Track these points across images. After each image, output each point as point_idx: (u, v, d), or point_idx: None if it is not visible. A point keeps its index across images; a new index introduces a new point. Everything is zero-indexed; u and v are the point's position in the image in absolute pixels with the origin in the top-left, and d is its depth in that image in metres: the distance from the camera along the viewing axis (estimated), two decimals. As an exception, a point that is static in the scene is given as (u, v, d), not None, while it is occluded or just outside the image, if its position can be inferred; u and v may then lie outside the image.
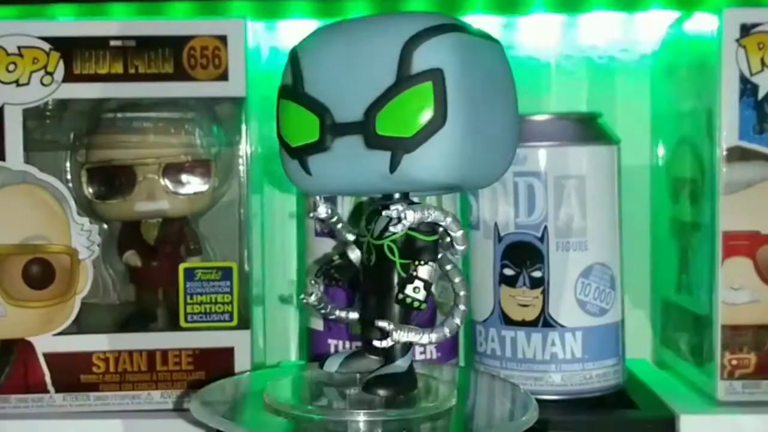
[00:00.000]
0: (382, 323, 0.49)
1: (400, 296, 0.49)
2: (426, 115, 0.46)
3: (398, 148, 0.46)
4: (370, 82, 0.47)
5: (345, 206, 0.64)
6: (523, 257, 0.65)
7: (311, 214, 0.53)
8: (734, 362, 0.65)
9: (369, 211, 0.52)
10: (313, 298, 0.53)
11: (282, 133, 0.50)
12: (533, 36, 0.81)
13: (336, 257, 0.53)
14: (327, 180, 0.49)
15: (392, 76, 0.46)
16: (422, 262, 0.49)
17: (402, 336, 0.49)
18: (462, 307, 0.51)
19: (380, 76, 0.47)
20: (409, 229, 0.49)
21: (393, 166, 0.47)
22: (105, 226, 0.67)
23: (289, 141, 0.50)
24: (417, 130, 0.46)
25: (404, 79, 0.46)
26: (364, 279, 0.52)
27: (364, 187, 0.50)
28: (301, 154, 0.49)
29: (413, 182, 0.48)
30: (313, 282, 0.53)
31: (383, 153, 0.47)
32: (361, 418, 0.48)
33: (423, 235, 0.50)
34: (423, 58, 0.46)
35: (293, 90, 0.50)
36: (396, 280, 0.50)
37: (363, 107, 0.47)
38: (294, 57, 0.50)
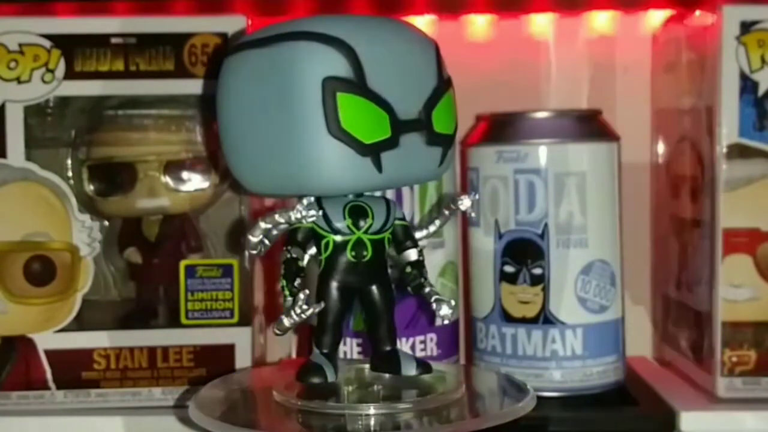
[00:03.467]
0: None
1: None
2: (455, 117, 0.51)
3: (448, 145, 0.50)
4: (418, 81, 0.50)
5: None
6: (523, 254, 0.65)
7: (302, 216, 0.52)
8: (734, 359, 0.65)
9: (349, 207, 0.52)
10: (287, 323, 0.51)
11: (347, 128, 0.49)
12: (533, 33, 0.81)
13: (298, 261, 0.52)
14: (393, 177, 0.50)
15: (433, 77, 0.50)
16: (413, 246, 0.52)
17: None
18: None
19: (424, 76, 0.50)
20: (397, 218, 0.52)
21: (442, 162, 0.50)
22: (106, 223, 0.67)
23: (361, 138, 0.49)
24: (455, 129, 0.51)
25: (444, 81, 0.50)
26: (353, 276, 0.52)
27: (410, 182, 0.55)
28: (375, 150, 0.49)
29: (440, 176, 0.52)
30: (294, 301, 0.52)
31: (437, 149, 0.50)
32: (373, 411, 0.49)
33: (405, 222, 0.52)
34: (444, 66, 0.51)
35: (357, 84, 0.49)
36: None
37: (417, 105, 0.49)
38: (349, 49, 0.50)
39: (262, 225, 0.51)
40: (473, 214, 0.58)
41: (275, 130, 0.49)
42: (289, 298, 0.50)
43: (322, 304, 0.51)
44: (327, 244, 0.52)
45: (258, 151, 0.50)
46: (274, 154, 0.49)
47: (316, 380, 0.51)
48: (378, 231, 0.52)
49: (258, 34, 0.50)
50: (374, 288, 0.52)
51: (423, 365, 0.52)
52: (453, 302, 0.51)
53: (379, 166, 0.49)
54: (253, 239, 0.51)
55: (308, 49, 0.48)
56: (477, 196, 0.56)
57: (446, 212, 0.54)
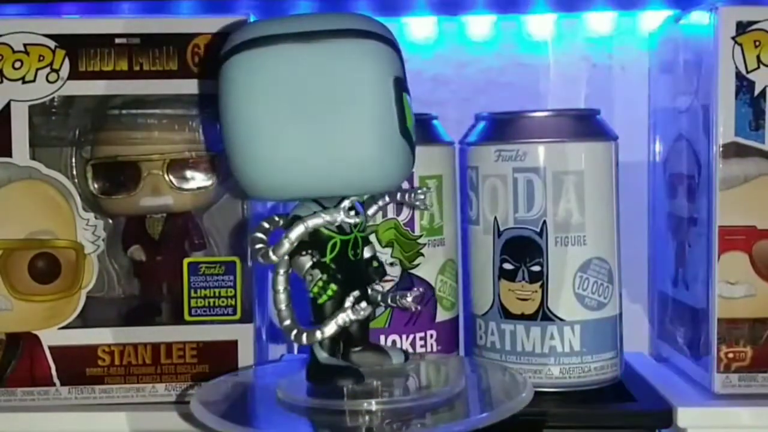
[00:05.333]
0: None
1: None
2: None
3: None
4: None
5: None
6: (522, 252, 0.65)
7: (345, 218, 0.52)
8: (730, 355, 0.65)
9: (348, 206, 0.52)
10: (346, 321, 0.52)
11: (409, 127, 0.50)
12: (532, 33, 0.81)
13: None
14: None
15: None
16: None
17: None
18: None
19: None
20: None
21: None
22: (110, 221, 0.67)
23: (413, 138, 0.51)
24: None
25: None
26: (351, 275, 0.53)
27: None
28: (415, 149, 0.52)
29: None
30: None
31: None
32: (375, 406, 0.49)
33: None
34: None
35: (407, 86, 0.51)
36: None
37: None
38: (400, 51, 0.51)
39: (304, 228, 0.51)
40: (424, 207, 0.58)
41: (330, 127, 0.48)
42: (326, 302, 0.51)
43: (370, 307, 0.51)
44: (334, 245, 0.52)
45: (295, 150, 0.49)
46: (323, 153, 0.49)
47: (351, 383, 0.52)
48: (363, 229, 0.52)
49: (284, 28, 0.48)
50: (361, 287, 0.53)
51: (405, 353, 0.54)
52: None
53: (414, 164, 0.51)
54: (289, 243, 0.50)
55: (377, 48, 0.49)
56: (430, 190, 0.58)
57: (399, 199, 0.54)
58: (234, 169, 0.51)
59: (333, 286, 0.51)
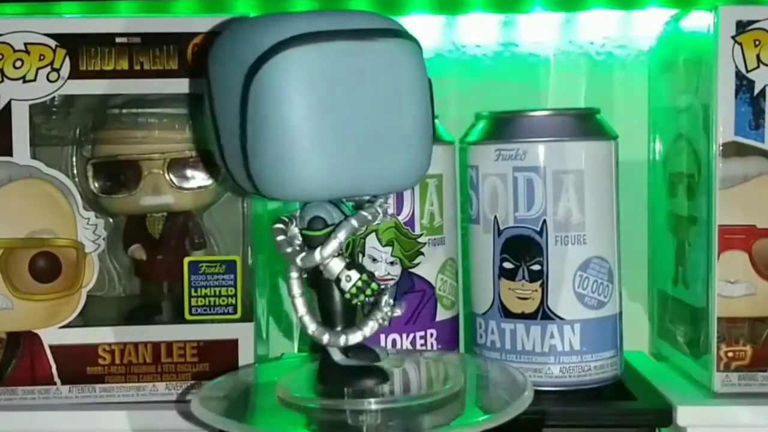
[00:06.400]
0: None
1: None
2: None
3: None
4: None
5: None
6: (522, 251, 0.66)
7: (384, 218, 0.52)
8: (730, 354, 0.65)
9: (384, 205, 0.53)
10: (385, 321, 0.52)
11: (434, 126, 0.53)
12: (532, 33, 0.81)
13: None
14: None
15: None
16: None
17: None
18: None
19: None
20: None
21: None
22: (110, 220, 0.68)
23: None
24: None
25: None
26: None
27: None
28: None
29: None
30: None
31: None
32: (374, 406, 0.49)
33: None
34: None
35: None
36: None
37: None
38: None
39: (351, 227, 0.50)
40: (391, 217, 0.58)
41: (381, 126, 0.48)
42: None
43: (404, 305, 0.52)
44: (348, 244, 0.52)
45: (349, 150, 0.48)
46: (373, 152, 0.48)
47: (377, 383, 0.52)
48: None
49: (331, 24, 0.47)
50: None
51: (385, 350, 0.54)
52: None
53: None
54: (338, 243, 0.50)
55: (416, 48, 0.49)
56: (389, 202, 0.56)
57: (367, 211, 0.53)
58: (258, 168, 0.49)
59: (374, 286, 0.51)
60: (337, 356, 0.52)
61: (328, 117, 0.47)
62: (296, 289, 0.51)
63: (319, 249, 0.50)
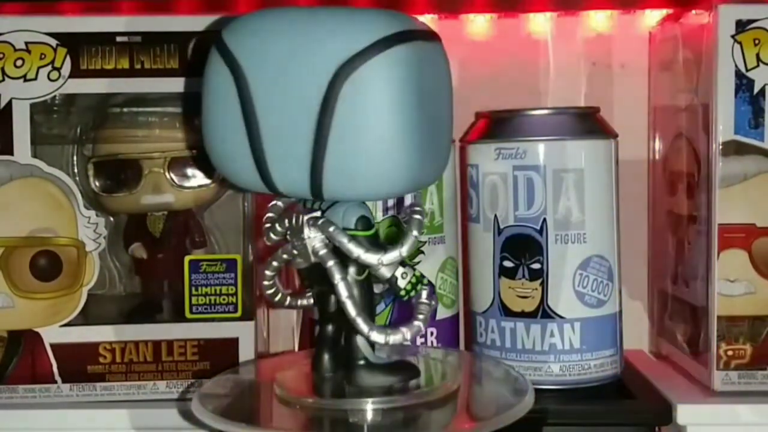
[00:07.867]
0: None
1: None
2: None
3: None
4: None
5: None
6: (522, 250, 0.66)
7: None
8: (730, 353, 0.65)
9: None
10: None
11: None
12: (532, 32, 0.81)
13: None
14: None
15: None
16: None
17: None
18: None
19: None
20: None
21: None
22: (111, 218, 0.68)
23: None
24: None
25: None
26: None
27: None
28: None
29: None
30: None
31: None
32: (371, 406, 0.49)
33: None
34: None
35: None
36: None
37: None
38: None
39: (414, 239, 0.50)
40: None
41: (436, 123, 0.50)
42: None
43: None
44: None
45: (419, 147, 0.48)
46: (432, 147, 0.50)
47: (410, 377, 0.52)
48: None
49: (403, 25, 0.48)
50: None
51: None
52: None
53: None
54: (402, 257, 0.50)
55: (444, 49, 0.51)
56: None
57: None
58: (333, 166, 0.48)
59: (425, 281, 0.51)
60: (372, 355, 0.52)
61: (416, 116, 0.48)
62: (355, 290, 0.51)
63: (379, 256, 0.49)
